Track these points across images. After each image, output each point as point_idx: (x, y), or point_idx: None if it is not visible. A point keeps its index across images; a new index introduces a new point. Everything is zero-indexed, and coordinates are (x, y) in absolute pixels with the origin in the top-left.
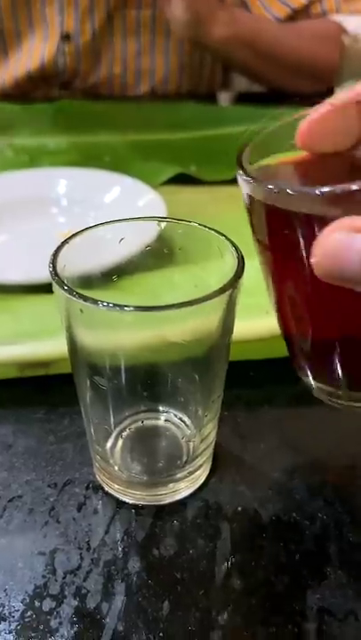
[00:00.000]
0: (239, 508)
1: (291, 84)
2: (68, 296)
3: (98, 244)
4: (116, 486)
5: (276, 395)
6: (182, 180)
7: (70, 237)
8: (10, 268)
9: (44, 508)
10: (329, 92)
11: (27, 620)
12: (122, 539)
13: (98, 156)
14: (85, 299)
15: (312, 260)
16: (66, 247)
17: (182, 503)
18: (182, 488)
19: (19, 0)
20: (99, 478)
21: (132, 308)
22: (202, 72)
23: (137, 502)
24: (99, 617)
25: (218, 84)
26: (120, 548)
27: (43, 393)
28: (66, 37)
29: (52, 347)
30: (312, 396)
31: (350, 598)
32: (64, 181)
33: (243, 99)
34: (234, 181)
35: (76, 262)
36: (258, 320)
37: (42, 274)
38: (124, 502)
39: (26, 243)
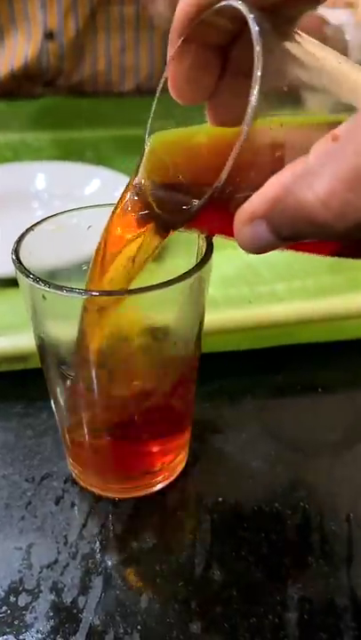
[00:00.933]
0: (220, 499)
1: None
2: (31, 283)
3: (66, 233)
4: (91, 481)
5: (257, 385)
6: None
7: (36, 224)
8: None
9: (21, 502)
10: None
11: (1, 615)
12: (100, 532)
13: (80, 152)
14: (48, 284)
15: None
16: (31, 235)
17: (161, 494)
18: (159, 480)
19: None
20: (73, 473)
21: (96, 294)
22: None
23: (113, 496)
24: (75, 611)
25: None
26: (98, 542)
27: (21, 387)
28: (49, 35)
29: (30, 340)
30: (294, 387)
31: (331, 587)
32: (44, 175)
33: None
34: None
35: (43, 250)
36: (239, 310)
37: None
38: (103, 496)
39: (4, 236)
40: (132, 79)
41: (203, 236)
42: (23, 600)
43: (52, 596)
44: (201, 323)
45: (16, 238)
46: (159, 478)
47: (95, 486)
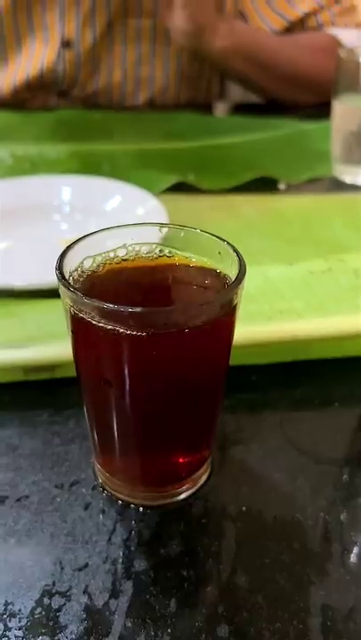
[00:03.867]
0: (243, 508)
1: (287, 94)
2: (75, 297)
3: (101, 250)
4: (118, 488)
5: (276, 399)
6: (181, 188)
7: (75, 242)
8: (14, 274)
9: (51, 507)
10: (325, 104)
11: (36, 616)
12: (128, 538)
13: (97, 165)
14: (92, 300)
15: None
16: (70, 252)
17: (187, 504)
18: (184, 489)
19: (19, 5)
20: (100, 480)
21: (138, 310)
22: (200, 82)
23: (139, 503)
24: (107, 613)
25: (215, 94)
26: (127, 547)
27: (48, 395)
28: (66, 44)
29: (58, 351)
30: (312, 401)
31: (354, 595)
32: (67, 189)
33: (239, 110)
34: (232, 190)
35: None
36: (260, 326)
37: (45, 279)
38: (130, 503)
39: (29, 249)
40: (146, 91)
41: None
42: (56, 602)
43: (85, 599)
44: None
45: (57, 256)
46: (184, 487)
47: (121, 493)
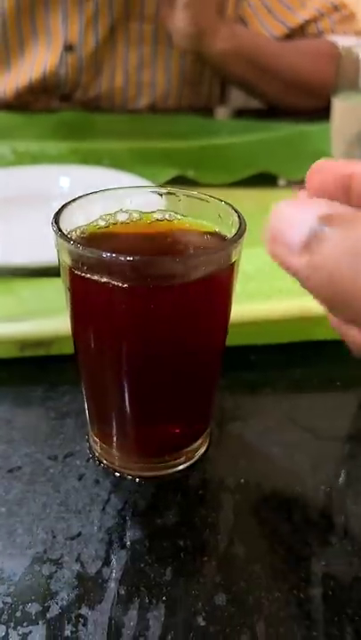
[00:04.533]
0: (241, 480)
1: (287, 98)
2: (72, 248)
3: (99, 212)
4: (113, 459)
5: (276, 378)
6: (180, 182)
7: (72, 200)
8: (13, 252)
9: (44, 478)
10: (324, 109)
11: (26, 583)
12: (123, 507)
13: (97, 160)
14: (89, 249)
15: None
16: (68, 211)
17: (184, 476)
18: (180, 461)
19: (24, 9)
20: (96, 452)
21: (137, 258)
22: (201, 87)
23: (134, 474)
24: (100, 581)
25: (216, 99)
26: (122, 517)
27: (42, 372)
28: (69, 48)
29: (55, 325)
30: (311, 381)
31: (356, 565)
32: (66, 178)
33: (239, 115)
34: (232, 185)
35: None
36: (258, 304)
37: (44, 257)
38: (126, 474)
39: (28, 230)
40: (148, 96)
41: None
42: (47, 569)
43: (77, 567)
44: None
45: (52, 217)
46: (181, 459)
47: (117, 464)
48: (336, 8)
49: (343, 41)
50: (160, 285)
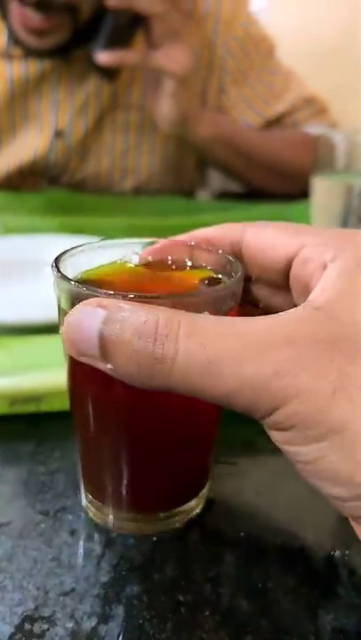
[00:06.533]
0: (241, 534)
1: (266, 183)
2: (72, 288)
3: (95, 262)
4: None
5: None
6: None
7: (68, 250)
8: (7, 311)
9: (35, 533)
10: (302, 193)
11: None
12: (118, 562)
13: (86, 235)
14: (87, 287)
15: (61, 331)
16: (67, 255)
17: (182, 531)
18: (176, 520)
19: (16, 95)
20: (90, 512)
21: (132, 295)
22: (183, 172)
23: (131, 533)
24: (96, 639)
25: (197, 183)
26: (117, 572)
27: (32, 428)
28: (59, 134)
29: (44, 381)
30: None
31: None
32: (56, 247)
33: (220, 198)
34: None
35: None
36: None
37: (36, 315)
38: (121, 533)
39: (21, 291)
40: (132, 179)
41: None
42: (39, 627)
43: (71, 624)
44: None
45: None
46: (176, 518)
47: (110, 525)
48: (309, 102)
49: (317, 130)
50: None
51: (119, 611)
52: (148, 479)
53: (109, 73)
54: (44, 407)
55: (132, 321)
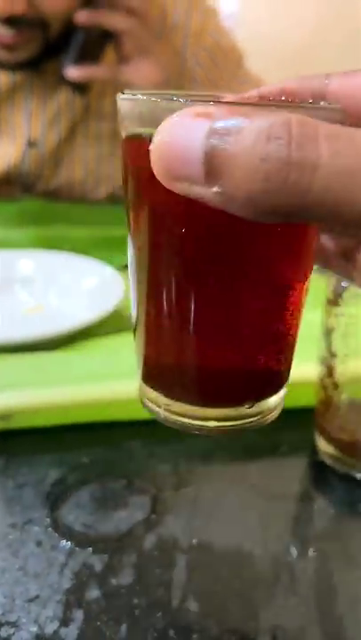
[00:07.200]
0: (194, 541)
1: None
2: (157, 102)
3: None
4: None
5: (229, 444)
6: None
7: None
8: None
9: (3, 544)
10: None
11: None
12: (80, 570)
13: (59, 246)
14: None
15: (150, 148)
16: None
17: (138, 538)
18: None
19: None
20: (161, 412)
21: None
22: None
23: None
24: None
25: None
26: (79, 579)
27: (1, 444)
28: (32, 144)
29: (15, 398)
30: (263, 445)
31: (302, 617)
32: (28, 262)
33: None
34: None
35: None
36: None
37: (10, 336)
38: (83, 539)
39: None
40: (106, 187)
41: None
42: (5, 632)
43: (35, 628)
44: None
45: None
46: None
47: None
48: None
49: None
50: None
51: (79, 615)
52: (222, 350)
53: (80, 87)
54: (14, 424)
55: (253, 127)
